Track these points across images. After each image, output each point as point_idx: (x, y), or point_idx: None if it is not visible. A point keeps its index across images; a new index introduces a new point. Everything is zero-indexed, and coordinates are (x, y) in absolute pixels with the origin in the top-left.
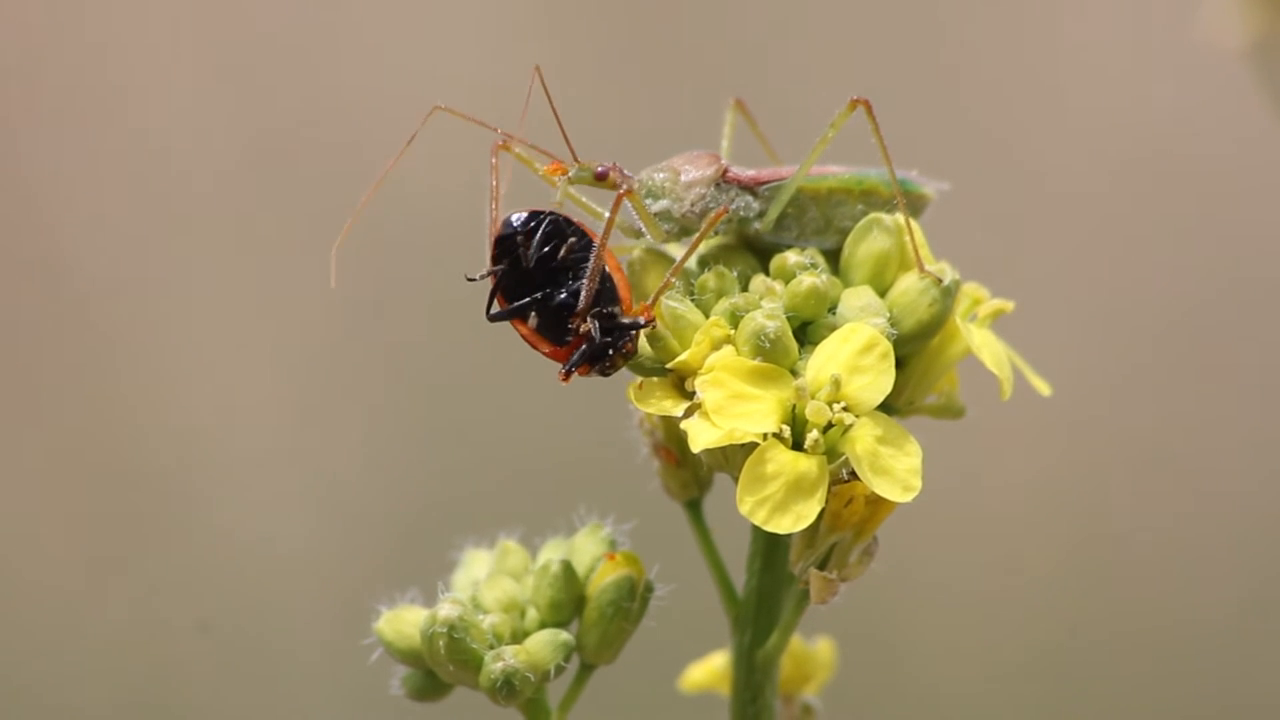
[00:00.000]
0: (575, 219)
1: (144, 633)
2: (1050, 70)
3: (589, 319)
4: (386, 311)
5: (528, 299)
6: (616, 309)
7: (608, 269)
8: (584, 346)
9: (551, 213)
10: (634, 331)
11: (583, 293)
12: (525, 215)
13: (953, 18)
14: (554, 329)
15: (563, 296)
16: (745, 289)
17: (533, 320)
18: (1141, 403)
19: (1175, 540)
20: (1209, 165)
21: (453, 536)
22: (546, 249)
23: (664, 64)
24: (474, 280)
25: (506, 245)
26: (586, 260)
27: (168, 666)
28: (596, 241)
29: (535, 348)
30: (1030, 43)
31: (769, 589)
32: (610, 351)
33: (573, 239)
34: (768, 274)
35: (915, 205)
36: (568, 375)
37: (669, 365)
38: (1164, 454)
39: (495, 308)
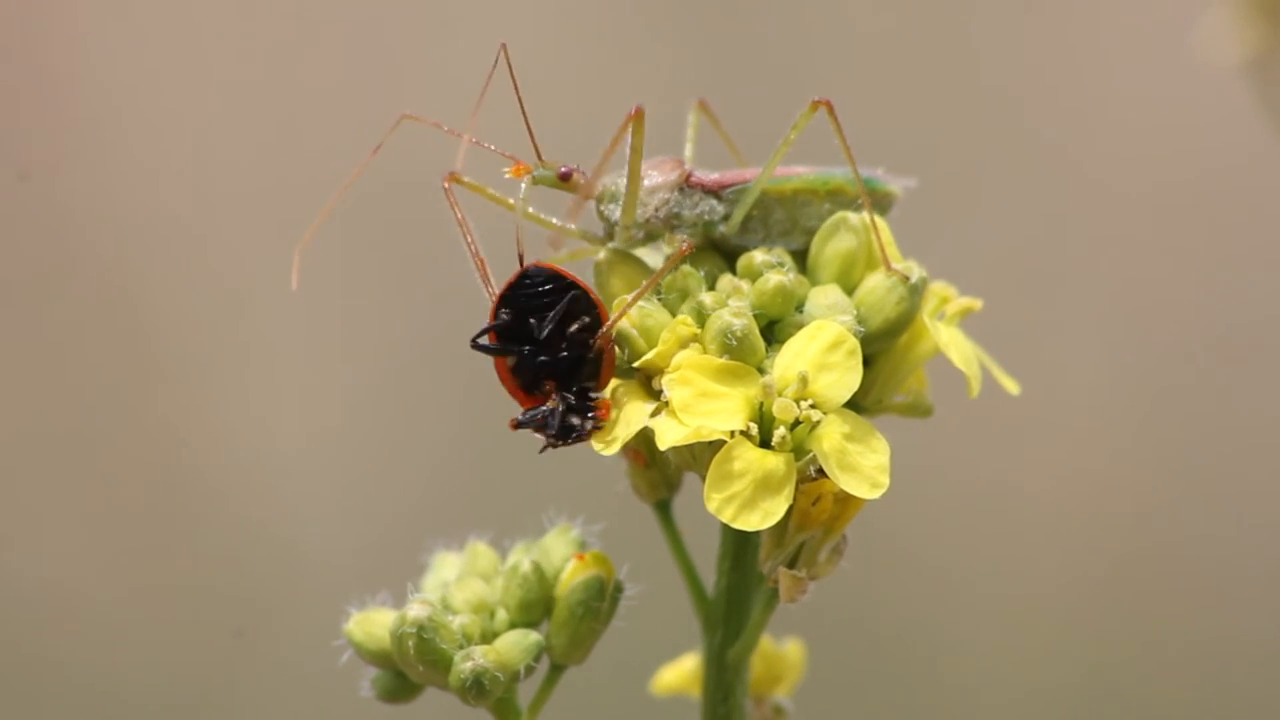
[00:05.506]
0: (594, 294)
1: (181, 638)
2: (1094, 69)
3: (561, 394)
4: (362, 316)
5: (517, 348)
6: (592, 389)
7: (604, 350)
8: (544, 409)
9: (574, 284)
10: (592, 422)
11: (571, 366)
12: (549, 274)
13: (964, 22)
14: (528, 379)
15: (546, 359)
16: (712, 288)
17: (512, 362)
18: (1183, 412)
19: (1216, 553)
20: (1245, 178)
21: (422, 539)
22: (557, 322)
23: (633, 62)
24: (479, 347)
25: (518, 295)
26: (588, 337)
27: (203, 671)
28: (605, 321)
29: (502, 383)
30: (1059, 52)
31: (739, 589)
32: (562, 438)
33: (586, 318)
34: (735, 273)
35: (882, 203)
36: (517, 427)
37: (635, 364)
38: (1206, 464)
39: (484, 340)
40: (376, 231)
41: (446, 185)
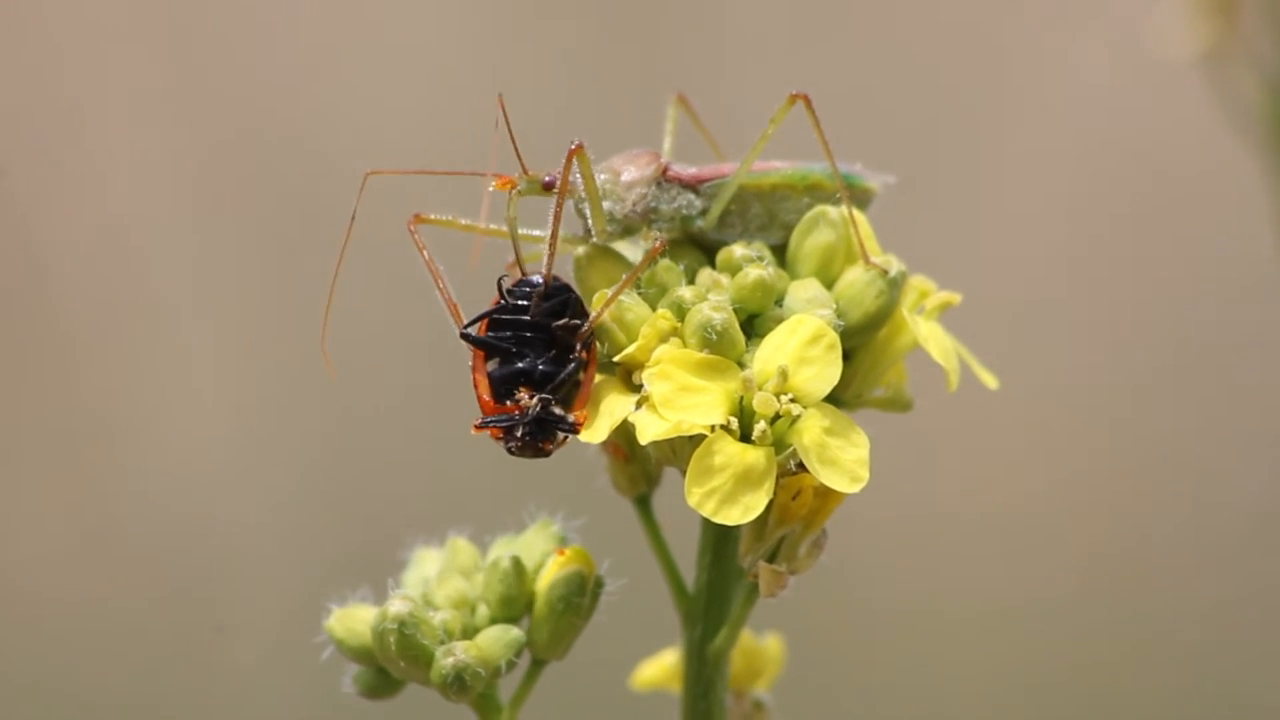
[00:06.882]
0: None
1: (159, 634)
2: (1059, 74)
3: (535, 397)
4: (338, 311)
5: (501, 343)
6: (565, 409)
7: (585, 366)
8: (513, 416)
9: (577, 296)
10: (559, 434)
11: (549, 373)
12: (562, 285)
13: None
14: (502, 383)
15: (524, 366)
16: (692, 282)
17: (491, 364)
18: (1153, 413)
19: (1192, 553)
20: (1204, 176)
21: (403, 535)
22: (553, 313)
23: (608, 61)
24: (468, 338)
25: (524, 293)
26: (573, 338)
27: (178, 667)
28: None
29: (474, 384)
30: (1027, 48)
31: (719, 583)
32: (527, 437)
33: (577, 322)
34: (714, 267)
35: (860, 198)
36: (480, 428)
37: (616, 359)
38: (1179, 463)
39: (474, 331)
40: (376, 225)
41: (412, 228)
